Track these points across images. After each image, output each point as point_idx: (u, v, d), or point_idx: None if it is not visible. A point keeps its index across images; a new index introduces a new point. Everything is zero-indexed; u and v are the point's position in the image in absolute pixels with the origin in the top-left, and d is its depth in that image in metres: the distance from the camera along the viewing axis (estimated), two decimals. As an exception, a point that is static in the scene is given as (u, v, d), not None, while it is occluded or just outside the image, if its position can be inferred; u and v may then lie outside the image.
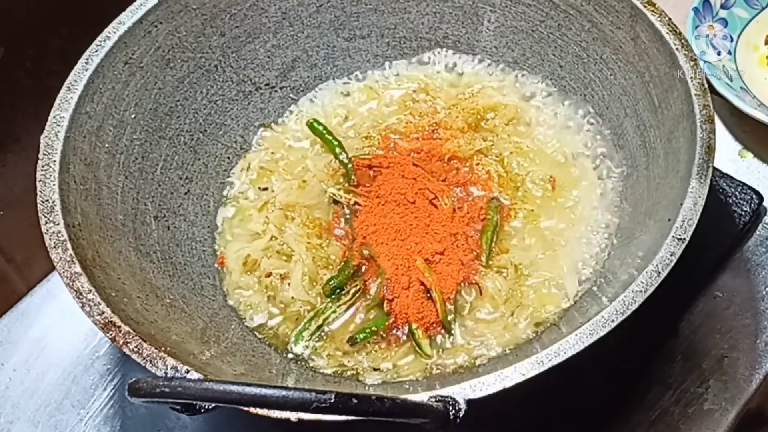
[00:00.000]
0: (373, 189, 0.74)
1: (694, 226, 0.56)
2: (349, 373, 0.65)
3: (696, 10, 0.90)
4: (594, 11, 0.73)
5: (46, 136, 0.63)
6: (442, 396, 0.49)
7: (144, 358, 0.53)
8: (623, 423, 0.68)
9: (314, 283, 0.70)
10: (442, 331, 0.66)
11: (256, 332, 0.69)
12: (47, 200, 0.60)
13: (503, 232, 0.71)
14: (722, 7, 0.91)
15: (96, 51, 0.68)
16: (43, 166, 0.62)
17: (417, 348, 0.65)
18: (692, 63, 0.64)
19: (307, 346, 0.67)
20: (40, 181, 0.61)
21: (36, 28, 0.79)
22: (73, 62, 0.67)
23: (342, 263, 0.70)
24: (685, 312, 0.73)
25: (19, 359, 0.77)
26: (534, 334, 0.66)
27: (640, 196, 0.69)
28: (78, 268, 0.57)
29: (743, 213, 0.77)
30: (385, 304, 0.67)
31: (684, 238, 0.55)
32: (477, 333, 0.66)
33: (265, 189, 0.77)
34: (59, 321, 0.79)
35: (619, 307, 0.53)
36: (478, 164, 0.75)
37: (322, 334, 0.68)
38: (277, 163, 0.79)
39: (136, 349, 0.53)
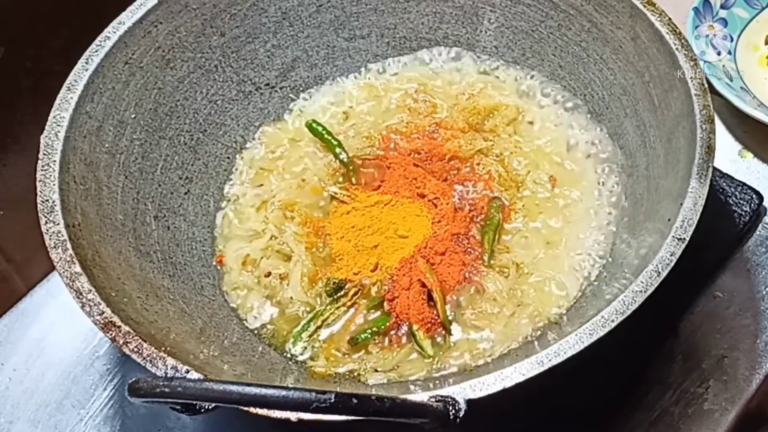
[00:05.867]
0: (374, 189, 0.74)
1: (694, 226, 0.56)
2: (349, 373, 0.65)
3: (696, 10, 0.90)
4: (594, 11, 0.73)
5: (46, 136, 0.63)
6: (442, 396, 0.49)
7: (144, 358, 0.53)
8: (623, 423, 0.68)
9: (313, 284, 0.70)
10: (443, 332, 0.66)
11: (255, 332, 0.69)
12: (47, 200, 0.60)
13: (504, 232, 0.71)
14: (722, 7, 0.91)
15: (96, 51, 0.68)
16: (43, 166, 0.62)
17: (418, 348, 0.65)
18: (692, 63, 0.64)
19: (306, 347, 0.67)
20: (40, 181, 0.61)
21: (36, 28, 0.79)
22: (73, 62, 0.67)
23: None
24: (685, 312, 0.73)
25: (19, 359, 0.77)
26: (535, 334, 0.66)
27: (640, 196, 0.69)
28: (78, 268, 0.57)
29: (743, 213, 0.77)
30: (385, 305, 0.67)
31: (684, 238, 0.55)
32: (478, 333, 0.66)
33: (265, 188, 0.77)
34: (59, 321, 0.79)
35: (619, 307, 0.53)
36: (478, 164, 0.75)
37: (322, 335, 0.68)
38: (277, 163, 0.79)
39: (136, 349, 0.53)
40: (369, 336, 0.66)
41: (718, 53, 0.89)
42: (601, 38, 0.74)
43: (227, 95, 0.79)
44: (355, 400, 0.44)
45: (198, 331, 0.63)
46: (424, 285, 0.67)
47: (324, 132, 0.78)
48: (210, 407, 0.49)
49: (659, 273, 0.54)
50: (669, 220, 0.57)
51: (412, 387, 0.63)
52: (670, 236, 0.55)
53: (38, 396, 0.75)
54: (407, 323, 0.66)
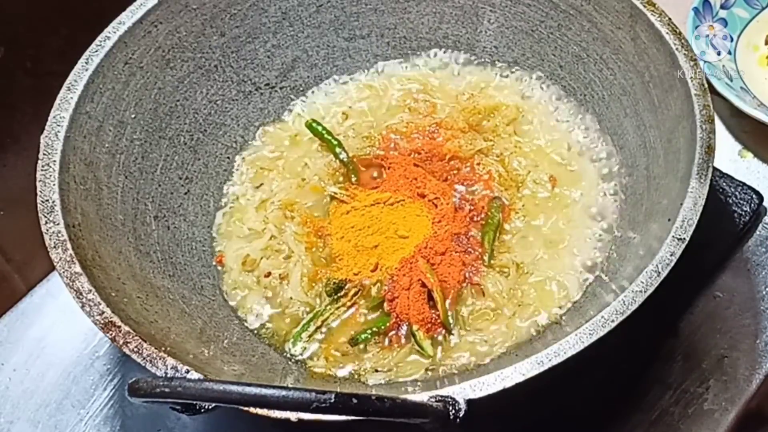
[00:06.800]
0: (374, 189, 0.74)
1: (694, 226, 0.56)
2: (349, 373, 0.65)
3: (696, 10, 0.90)
4: (594, 11, 0.73)
5: (46, 136, 0.63)
6: (442, 396, 0.49)
7: (144, 358, 0.53)
8: (623, 423, 0.68)
9: (313, 284, 0.70)
10: (443, 332, 0.66)
11: (255, 332, 0.69)
12: (47, 200, 0.60)
13: (505, 232, 0.71)
14: (722, 7, 0.91)
15: (96, 51, 0.68)
16: (43, 166, 0.62)
17: (418, 348, 0.65)
18: (692, 63, 0.64)
19: (305, 347, 0.67)
20: (40, 181, 0.61)
21: (36, 28, 0.79)
22: (73, 62, 0.67)
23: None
24: (685, 312, 0.73)
25: (19, 359, 0.77)
26: (535, 334, 0.66)
27: (640, 196, 0.69)
28: (78, 268, 0.57)
29: (743, 213, 0.77)
30: (385, 305, 0.67)
31: (684, 238, 0.55)
32: (478, 333, 0.66)
33: (265, 188, 0.77)
34: (59, 321, 0.79)
35: (619, 307, 0.53)
36: (479, 164, 0.75)
37: (322, 335, 0.68)
38: (277, 162, 0.79)
39: (136, 349, 0.53)
40: (369, 336, 0.66)
41: (718, 53, 0.89)
42: (601, 38, 0.74)
43: (227, 95, 0.79)
44: (355, 400, 0.44)
45: (198, 331, 0.63)
46: (424, 285, 0.67)
47: (324, 132, 0.78)
48: (210, 407, 0.49)
49: (659, 273, 0.54)
50: (669, 220, 0.57)
51: (411, 387, 0.63)
52: (670, 236, 0.55)
53: (38, 396, 0.75)
54: (407, 323, 0.66)
